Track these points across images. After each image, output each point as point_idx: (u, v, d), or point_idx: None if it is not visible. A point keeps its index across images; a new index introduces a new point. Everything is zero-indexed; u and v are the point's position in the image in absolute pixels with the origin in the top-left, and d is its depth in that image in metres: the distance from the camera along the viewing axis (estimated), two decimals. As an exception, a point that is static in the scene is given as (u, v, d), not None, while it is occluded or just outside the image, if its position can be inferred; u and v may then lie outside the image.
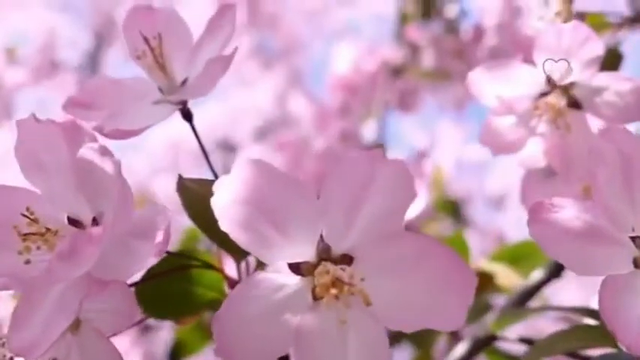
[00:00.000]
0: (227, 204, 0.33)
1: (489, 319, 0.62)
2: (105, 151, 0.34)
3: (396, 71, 1.48)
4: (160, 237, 0.33)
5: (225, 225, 0.33)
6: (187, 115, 0.44)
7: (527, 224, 0.35)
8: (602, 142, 0.36)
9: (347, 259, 0.35)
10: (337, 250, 0.35)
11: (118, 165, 0.33)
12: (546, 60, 0.47)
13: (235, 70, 2.36)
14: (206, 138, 2.19)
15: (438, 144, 2.30)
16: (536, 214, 0.35)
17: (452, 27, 1.38)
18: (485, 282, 0.75)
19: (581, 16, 0.52)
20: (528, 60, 0.51)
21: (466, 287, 0.33)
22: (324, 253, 0.35)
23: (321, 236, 0.34)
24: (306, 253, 0.35)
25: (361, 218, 0.34)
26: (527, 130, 0.49)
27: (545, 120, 0.47)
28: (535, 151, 0.50)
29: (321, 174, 1.26)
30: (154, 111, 0.42)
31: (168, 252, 0.43)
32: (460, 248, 0.71)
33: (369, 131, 1.45)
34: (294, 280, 0.35)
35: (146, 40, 0.43)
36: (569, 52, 0.45)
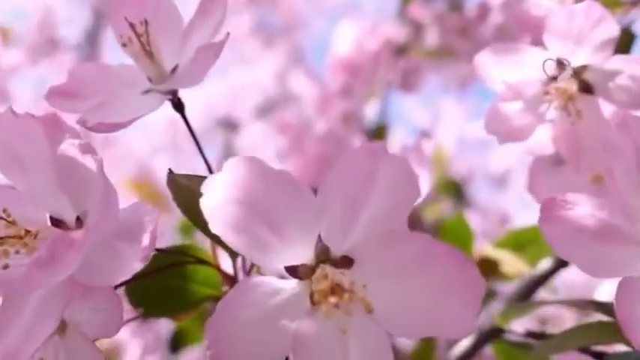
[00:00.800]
0: (217, 205, 0.31)
1: (495, 310, 0.60)
2: (86, 149, 0.31)
3: (399, 50, 1.45)
4: (146, 240, 0.31)
5: (216, 227, 0.31)
6: (178, 106, 0.42)
7: (538, 221, 0.33)
8: (618, 135, 0.33)
9: (347, 261, 0.33)
10: (337, 251, 0.32)
11: (100, 163, 0.31)
12: (557, 42, 0.44)
13: (236, 47, 2.33)
14: (207, 116, 2.19)
15: (440, 122, 2.27)
16: (548, 211, 0.33)
17: (456, 4, 1.35)
18: (491, 269, 0.72)
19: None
20: (536, 41, 0.49)
21: (473, 292, 0.31)
22: (323, 255, 0.33)
23: (320, 237, 0.32)
24: (303, 255, 0.32)
25: (362, 218, 0.31)
26: (536, 117, 0.46)
27: (556, 106, 0.45)
28: (543, 138, 0.48)
29: (322, 156, 1.24)
30: (143, 101, 0.40)
31: (161, 249, 0.42)
32: (464, 233, 0.69)
33: (371, 112, 1.42)
34: (291, 284, 0.33)
35: (132, 26, 0.40)
36: (581, 34, 0.43)
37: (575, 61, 0.44)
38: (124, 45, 0.41)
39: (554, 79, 0.46)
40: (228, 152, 2.33)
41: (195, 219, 0.41)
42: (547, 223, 0.32)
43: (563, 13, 0.43)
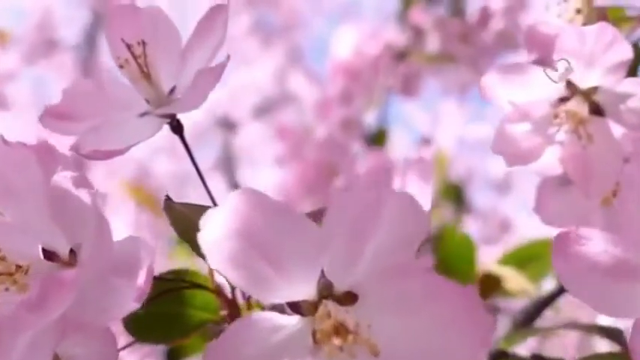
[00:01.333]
0: (216, 239, 0.30)
1: (500, 330, 0.59)
2: (80, 182, 0.30)
3: (400, 55, 1.44)
4: (142, 278, 0.29)
5: (214, 262, 0.30)
6: (177, 128, 0.40)
7: (552, 258, 0.32)
8: (633, 166, 0.32)
9: (350, 297, 0.31)
10: (340, 287, 0.31)
11: (94, 197, 0.30)
12: (567, 63, 0.43)
13: (234, 47, 2.32)
14: (205, 116, 2.17)
15: (439, 125, 2.26)
16: (561, 246, 0.31)
17: (457, 10, 1.34)
18: (493, 285, 0.71)
19: (603, 14, 0.48)
20: (543, 59, 0.48)
21: (480, 329, 0.30)
22: (326, 290, 0.31)
23: (322, 272, 0.31)
24: (305, 291, 0.31)
25: (366, 253, 0.30)
26: (545, 138, 0.45)
27: (566, 129, 0.44)
28: (551, 159, 0.47)
29: (321, 163, 1.23)
30: (140, 125, 0.39)
31: (157, 277, 0.40)
32: (466, 250, 0.68)
33: (371, 117, 1.41)
34: (292, 321, 0.31)
35: (129, 47, 0.39)
36: (592, 56, 0.42)
37: (586, 82, 0.43)
38: (120, 66, 0.39)
39: (563, 100, 0.45)
40: (227, 152, 2.32)
41: (194, 246, 0.40)
42: (560, 258, 0.31)
43: (573, 34, 0.42)
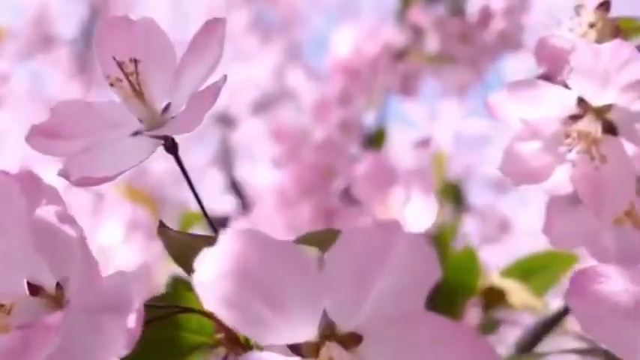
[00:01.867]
0: (211, 280, 0.28)
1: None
2: (65, 217, 0.28)
3: (398, 54, 1.42)
4: (132, 322, 0.27)
5: (210, 304, 0.28)
6: (171, 148, 0.38)
7: (566, 296, 0.30)
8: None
9: (355, 338, 0.29)
10: (343, 328, 0.29)
11: (80, 233, 0.28)
12: (580, 80, 0.41)
13: (233, 43, 2.30)
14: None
15: (437, 123, 2.24)
16: (579, 285, 0.29)
17: (457, 9, 1.32)
18: (497, 297, 0.70)
19: (615, 26, 0.46)
20: (552, 73, 0.46)
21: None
22: (328, 330, 0.29)
23: (325, 312, 0.29)
24: (306, 332, 0.29)
25: (373, 295, 0.28)
26: (555, 157, 0.43)
27: (578, 149, 0.42)
28: (561, 177, 0.45)
29: (319, 165, 1.21)
30: (133, 146, 0.37)
31: (150, 305, 0.39)
32: (471, 267, 0.66)
33: (369, 117, 1.39)
34: (293, 363, 0.30)
35: (120, 65, 0.37)
36: (607, 73, 0.40)
37: (599, 100, 0.41)
38: (111, 85, 0.37)
39: (574, 117, 0.43)
40: (225, 148, 2.30)
41: (183, 263, 0.39)
42: (578, 299, 0.29)
43: (588, 51, 0.40)
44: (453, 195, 1.64)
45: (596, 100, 0.42)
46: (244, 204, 1.80)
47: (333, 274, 0.28)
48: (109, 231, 1.42)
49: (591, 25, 0.45)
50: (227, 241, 0.27)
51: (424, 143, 1.58)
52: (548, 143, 0.43)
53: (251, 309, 0.28)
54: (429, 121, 2.18)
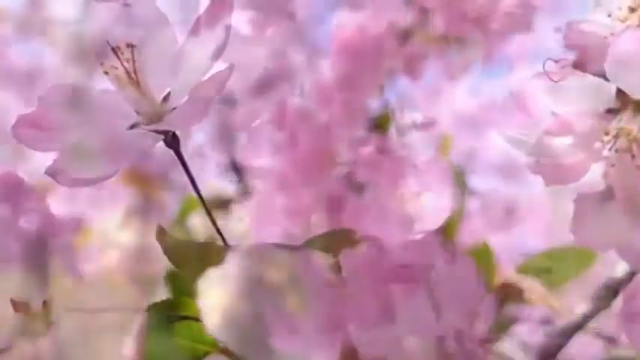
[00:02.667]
0: (215, 303, 0.24)
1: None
2: (50, 230, 0.25)
3: (404, 35, 1.38)
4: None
5: (212, 327, 0.25)
6: (172, 143, 0.35)
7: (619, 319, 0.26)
8: None
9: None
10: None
11: (69, 246, 0.24)
12: (618, 70, 0.37)
13: (234, 22, 2.26)
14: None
15: (440, 104, 2.21)
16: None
17: (466, -11, 1.28)
18: (512, 293, 0.67)
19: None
20: (584, 63, 0.42)
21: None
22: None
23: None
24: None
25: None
26: (590, 154, 0.40)
27: (617, 147, 0.38)
28: (592, 174, 0.41)
29: (322, 151, 1.17)
30: (129, 141, 0.33)
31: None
32: (486, 264, 0.63)
33: (374, 100, 1.36)
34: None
35: (115, 51, 0.33)
36: (650, 63, 0.36)
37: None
38: (105, 73, 0.34)
39: (612, 111, 0.39)
40: (225, 129, 2.27)
41: (182, 266, 0.36)
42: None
43: (629, 38, 0.36)
44: (458, 181, 1.61)
45: (638, 93, 0.38)
46: (245, 187, 1.77)
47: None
48: (108, 215, 1.39)
49: (632, 10, 0.41)
50: (232, 260, 0.24)
51: (427, 125, 1.54)
52: (583, 139, 0.40)
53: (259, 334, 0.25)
54: (432, 103, 2.14)
